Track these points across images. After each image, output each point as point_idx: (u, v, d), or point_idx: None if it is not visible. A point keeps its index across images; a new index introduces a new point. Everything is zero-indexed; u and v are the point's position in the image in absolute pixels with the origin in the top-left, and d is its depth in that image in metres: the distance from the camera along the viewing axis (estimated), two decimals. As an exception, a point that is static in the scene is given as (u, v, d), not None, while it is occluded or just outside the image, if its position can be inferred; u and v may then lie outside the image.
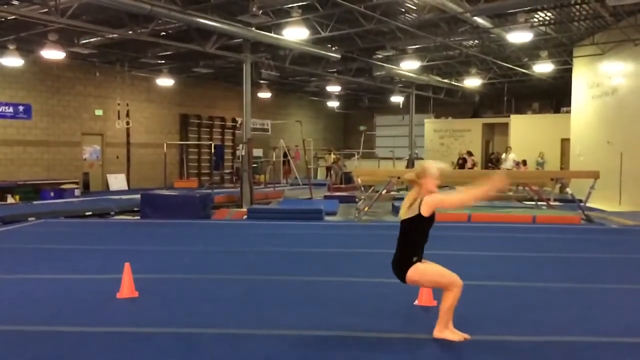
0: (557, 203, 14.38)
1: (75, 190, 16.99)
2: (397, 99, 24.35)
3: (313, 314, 4.83)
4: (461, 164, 22.24)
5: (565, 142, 20.30)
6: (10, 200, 15.24)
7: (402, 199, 14.40)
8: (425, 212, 3.94)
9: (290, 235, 9.71)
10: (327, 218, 12.05)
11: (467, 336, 4.09)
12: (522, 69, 19.72)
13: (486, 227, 10.58)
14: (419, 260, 4.04)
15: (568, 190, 12.41)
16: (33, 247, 8.30)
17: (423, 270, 4.01)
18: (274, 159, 23.61)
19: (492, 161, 23.50)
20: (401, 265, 4.05)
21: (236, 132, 24.23)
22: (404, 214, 4.04)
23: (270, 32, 13.89)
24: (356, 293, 5.59)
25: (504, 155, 20.31)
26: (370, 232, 10.21)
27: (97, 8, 11.64)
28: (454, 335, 4.09)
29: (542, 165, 19.89)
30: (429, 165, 4.09)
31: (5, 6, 11.48)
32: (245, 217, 12.17)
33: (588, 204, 12.31)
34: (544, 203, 13.84)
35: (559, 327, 4.51)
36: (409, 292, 5.29)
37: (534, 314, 4.87)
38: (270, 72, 17.60)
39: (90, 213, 12.76)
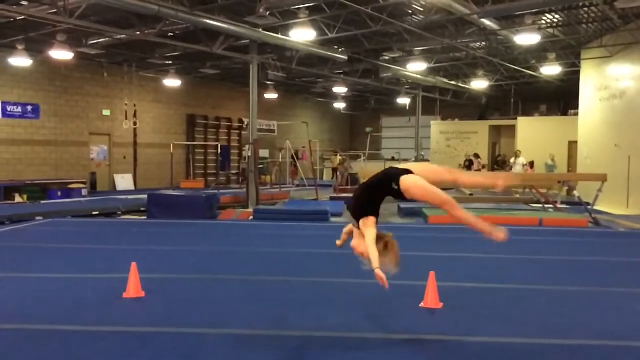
0: (564, 206, 14.32)
1: (83, 190, 17.06)
2: (403, 101, 24.33)
3: (318, 315, 4.83)
4: (468, 166, 22.20)
5: (572, 145, 20.20)
6: (18, 199, 15.33)
7: (407, 200, 14.20)
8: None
9: (296, 236, 9.71)
10: (333, 219, 12.04)
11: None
12: (530, 71, 19.66)
13: (492, 230, 10.51)
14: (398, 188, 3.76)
15: (575, 193, 12.37)
16: (40, 246, 8.33)
17: (417, 183, 3.72)
18: (280, 160, 23.62)
19: (498, 163, 23.42)
20: (397, 175, 3.78)
21: (242, 132, 24.26)
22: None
23: (278, 33, 13.91)
24: (361, 294, 5.58)
25: (513, 159, 20.19)
26: (376, 233, 10.17)
27: (106, 9, 11.70)
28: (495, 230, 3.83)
29: (552, 168, 19.59)
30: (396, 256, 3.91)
31: (15, 6, 11.54)
32: (251, 217, 12.18)
33: (595, 207, 12.26)
34: (551, 206, 13.78)
35: (566, 330, 4.49)
36: (414, 294, 5.29)
37: (540, 316, 4.85)
38: (277, 73, 17.63)
39: (97, 213, 12.82)
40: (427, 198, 3.80)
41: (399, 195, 3.77)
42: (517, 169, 19.27)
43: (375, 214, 3.84)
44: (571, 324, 4.65)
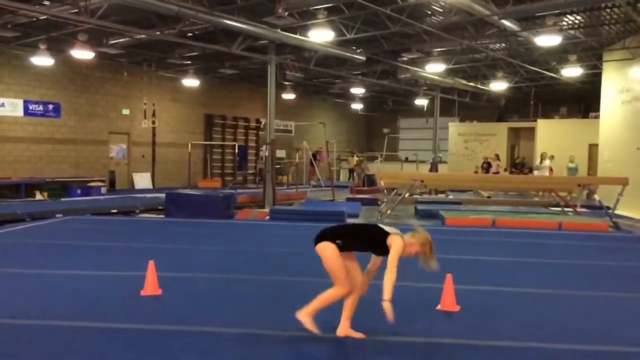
0: (584, 209, 14.13)
1: (102, 188, 17.28)
2: (421, 102, 24.21)
3: (333, 317, 4.81)
4: (486, 168, 22.00)
5: (593, 148, 19.93)
6: (38, 196, 15.56)
7: (425, 202, 14.31)
8: (393, 250, 3.95)
9: (312, 237, 9.67)
10: (349, 220, 12.02)
11: (315, 330, 4.05)
12: (550, 72, 19.43)
13: (511, 233, 10.43)
14: (340, 247, 4.04)
15: (595, 196, 12.20)
16: (60, 243, 8.44)
17: (334, 255, 4.03)
18: (297, 160, 23.66)
19: (516, 166, 23.17)
20: (324, 236, 4.11)
21: (260, 132, 24.35)
22: (389, 230, 4.06)
23: (296, 34, 13.93)
24: (377, 296, 5.54)
25: (538, 162, 19.90)
26: (393, 235, 10.14)
27: (126, 9, 11.82)
28: (311, 325, 4.06)
29: (574, 171, 19.19)
30: (427, 240, 4.06)
31: (37, 6, 11.73)
32: (268, 217, 12.21)
33: (616, 211, 12.08)
34: (571, 209, 13.60)
35: (585, 335, 4.43)
36: (431, 296, 5.25)
37: (559, 321, 4.79)
38: (295, 74, 17.65)
39: (115, 211, 12.96)
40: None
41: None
42: (544, 171, 19.00)
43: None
44: (590, 329, 4.58)
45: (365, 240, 4.09)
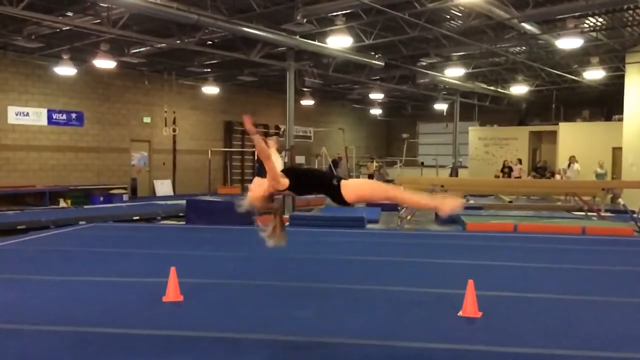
0: (608, 214, 13.89)
1: (124, 195, 17.50)
2: (440, 107, 24.08)
3: (353, 323, 4.80)
4: (507, 172, 21.76)
5: (617, 151, 19.60)
6: (62, 204, 15.82)
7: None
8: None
9: (331, 243, 9.70)
10: (369, 226, 11.99)
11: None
12: (572, 75, 19.20)
13: (533, 238, 10.29)
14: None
15: (620, 200, 11.99)
16: (83, 249, 8.56)
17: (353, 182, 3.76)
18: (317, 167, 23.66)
19: (537, 170, 22.87)
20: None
21: (279, 139, 24.41)
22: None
23: (314, 40, 13.98)
24: (398, 302, 5.53)
25: (566, 165, 19.58)
26: (413, 240, 10.10)
27: (147, 18, 12.01)
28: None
29: (603, 176, 18.74)
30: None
31: (61, 17, 11.97)
32: (287, 223, 12.23)
33: (641, 216, 11.84)
34: (594, 214, 13.38)
35: (611, 342, 4.34)
36: (453, 302, 5.21)
37: (584, 328, 4.71)
38: (314, 80, 17.71)
39: (137, 217, 13.10)
40: (365, 192, 3.74)
41: (335, 193, 3.67)
42: (571, 175, 18.68)
43: (297, 189, 3.76)
44: (616, 336, 4.49)
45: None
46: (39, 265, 7.32)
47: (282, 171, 3.67)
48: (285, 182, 3.62)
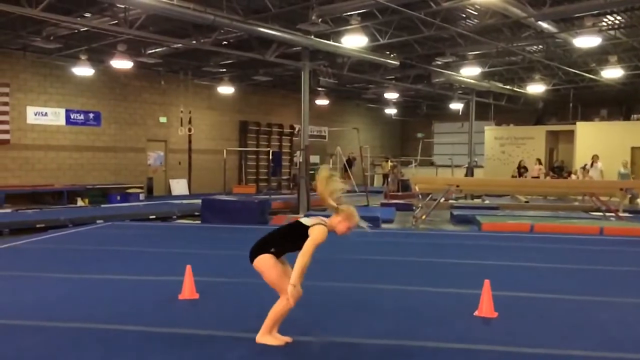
0: (626, 214, 13.72)
1: (140, 195, 17.67)
2: (456, 106, 23.95)
3: (368, 322, 4.80)
4: (523, 172, 21.58)
5: (635, 151, 19.36)
6: (80, 203, 16.02)
7: (461, 207, 14.14)
8: (311, 238, 3.92)
9: (345, 242, 9.66)
10: (383, 225, 11.98)
11: (288, 339, 4.08)
12: (590, 74, 18.97)
13: (550, 238, 10.20)
14: (276, 254, 3.99)
15: (639, 201, 11.83)
16: (100, 248, 8.66)
17: (270, 265, 3.97)
18: (331, 166, 23.68)
19: (554, 170, 22.64)
20: (256, 250, 4.03)
21: (294, 138, 24.50)
22: (309, 222, 4.02)
23: (329, 40, 13.99)
24: (413, 302, 5.52)
25: (589, 164, 19.34)
26: (428, 240, 10.07)
27: (163, 19, 12.11)
28: (275, 340, 4.06)
29: (626, 176, 18.32)
30: (353, 212, 4.14)
31: (79, 18, 12.12)
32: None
33: (661, 216, 11.69)
34: (613, 214, 13.23)
35: (628, 343, 4.29)
36: (468, 302, 5.19)
37: (601, 329, 4.66)
38: (328, 80, 17.72)
39: (154, 216, 13.22)
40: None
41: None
42: (594, 174, 18.43)
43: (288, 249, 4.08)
44: (633, 338, 4.44)
45: (293, 239, 4.01)
46: (57, 263, 7.43)
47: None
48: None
